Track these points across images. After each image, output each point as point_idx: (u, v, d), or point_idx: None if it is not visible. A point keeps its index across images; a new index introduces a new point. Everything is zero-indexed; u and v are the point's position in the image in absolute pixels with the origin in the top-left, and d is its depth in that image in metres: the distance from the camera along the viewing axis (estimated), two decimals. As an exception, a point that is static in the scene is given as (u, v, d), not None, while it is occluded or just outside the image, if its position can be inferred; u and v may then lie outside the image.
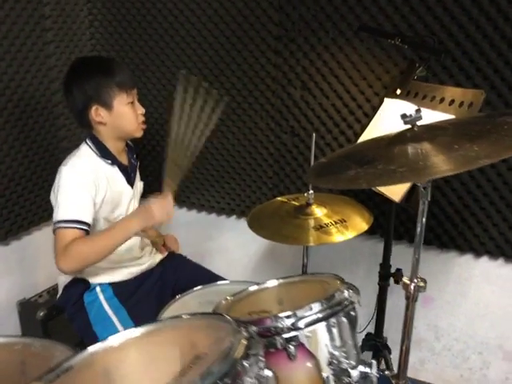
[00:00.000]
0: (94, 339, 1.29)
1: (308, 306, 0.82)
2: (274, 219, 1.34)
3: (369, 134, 1.55)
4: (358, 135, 1.66)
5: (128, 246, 1.51)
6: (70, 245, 1.27)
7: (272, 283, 1.06)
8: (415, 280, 0.97)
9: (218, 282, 1.42)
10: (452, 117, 1.21)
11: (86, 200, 1.33)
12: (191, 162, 1.40)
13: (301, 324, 0.81)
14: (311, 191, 1.35)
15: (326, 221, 1.28)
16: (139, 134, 1.45)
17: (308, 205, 1.35)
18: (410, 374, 1.95)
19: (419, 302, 1.84)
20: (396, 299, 1.68)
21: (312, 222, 1.29)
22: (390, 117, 1.48)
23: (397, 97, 1.51)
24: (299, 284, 1.05)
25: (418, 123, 0.89)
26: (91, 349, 0.78)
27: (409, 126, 1.02)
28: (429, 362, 1.96)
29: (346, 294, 0.86)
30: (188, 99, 1.31)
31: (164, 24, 1.90)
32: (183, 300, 1.35)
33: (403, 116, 0.87)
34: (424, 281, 0.98)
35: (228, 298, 1.01)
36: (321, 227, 1.25)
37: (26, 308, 1.95)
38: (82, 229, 1.30)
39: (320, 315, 0.82)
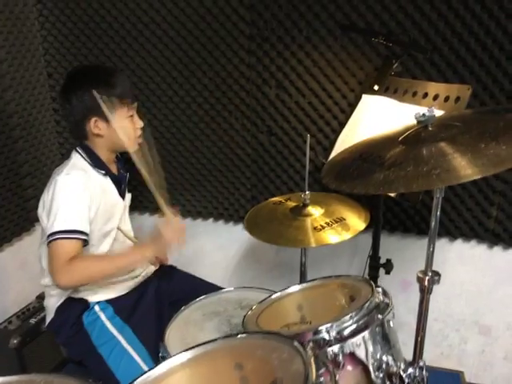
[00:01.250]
0: (99, 361, 1.24)
1: (348, 315, 0.82)
2: (272, 222, 1.32)
3: (350, 130, 1.57)
4: (337, 133, 1.69)
5: None
6: (75, 260, 1.21)
7: (292, 289, 1.05)
8: (429, 273, 1.00)
9: (218, 291, 1.39)
10: (440, 112, 1.25)
11: (84, 209, 1.28)
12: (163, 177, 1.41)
13: (345, 334, 0.80)
14: (307, 192, 1.35)
15: (325, 221, 1.29)
16: (134, 148, 1.39)
17: (304, 205, 1.35)
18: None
19: (399, 287, 1.94)
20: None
21: (310, 223, 1.29)
22: (370, 113, 1.51)
23: (375, 93, 1.54)
24: (318, 289, 1.05)
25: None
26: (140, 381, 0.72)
27: (409, 124, 1.04)
28: (410, 342, 2.04)
29: (380, 297, 0.87)
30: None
31: (126, 25, 1.81)
32: (185, 314, 1.31)
33: (417, 116, 0.89)
34: (438, 274, 1.02)
35: (252, 309, 0.98)
36: (321, 227, 1.25)
37: (-4, 337, 1.79)
38: (82, 239, 1.25)
39: (361, 322, 0.82)
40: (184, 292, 1.52)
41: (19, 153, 1.88)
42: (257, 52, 1.72)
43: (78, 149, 1.38)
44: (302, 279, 1.45)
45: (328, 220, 1.29)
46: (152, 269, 1.55)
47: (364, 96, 1.58)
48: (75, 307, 1.34)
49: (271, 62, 1.72)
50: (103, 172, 1.37)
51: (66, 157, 2.03)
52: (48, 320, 1.40)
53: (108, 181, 1.40)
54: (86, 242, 1.26)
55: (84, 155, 1.36)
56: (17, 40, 1.81)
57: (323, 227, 1.25)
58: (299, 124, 1.78)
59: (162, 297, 1.48)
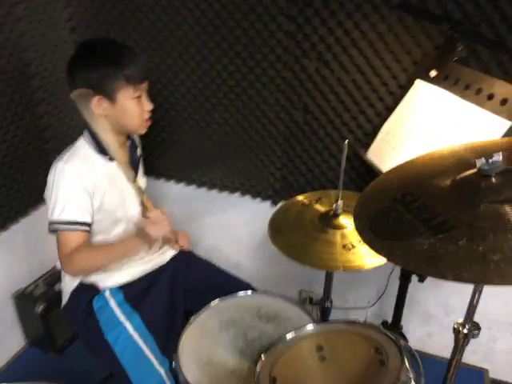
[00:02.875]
0: (106, 348, 1.23)
1: None
2: (298, 231, 1.21)
3: (396, 120, 1.38)
4: (382, 118, 1.50)
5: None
6: (75, 253, 1.23)
7: (310, 329, 0.96)
8: (468, 325, 0.88)
9: (236, 294, 1.32)
10: (509, 123, 1.05)
11: (82, 199, 1.24)
12: None
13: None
14: (340, 201, 1.21)
15: (358, 237, 1.15)
16: (142, 131, 1.33)
17: (335, 215, 1.22)
18: (417, 346, 2.01)
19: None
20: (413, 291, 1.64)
21: (340, 239, 1.16)
22: (424, 104, 1.31)
23: (431, 80, 1.32)
24: (339, 333, 0.96)
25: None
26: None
27: (464, 152, 0.87)
28: (436, 335, 1.98)
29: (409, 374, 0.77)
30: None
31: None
32: (201, 319, 1.26)
33: (483, 163, 0.72)
34: (477, 327, 0.90)
35: (264, 355, 0.90)
36: (352, 246, 1.12)
37: (23, 302, 1.84)
38: (85, 230, 1.25)
39: None
40: (201, 281, 1.47)
41: (42, 116, 1.79)
42: (298, 18, 1.49)
43: (84, 133, 1.32)
44: (325, 309, 1.36)
45: (361, 236, 1.16)
46: (168, 255, 1.50)
47: (418, 82, 1.37)
48: (87, 292, 1.34)
49: (313, 31, 1.49)
50: (108, 157, 1.30)
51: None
52: (63, 304, 1.40)
53: (114, 166, 1.31)
54: (87, 231, 1.25)
55: (89, 139, 1.30)
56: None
57: (354, 246, 1.13)
58: (339, 103, 1.58)
59: (176, 284, 1.43)
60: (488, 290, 1.77)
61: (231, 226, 2.09)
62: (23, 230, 1.88)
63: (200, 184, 1.99)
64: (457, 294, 1.83)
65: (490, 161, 0.71)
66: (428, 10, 1.22)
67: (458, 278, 0.60)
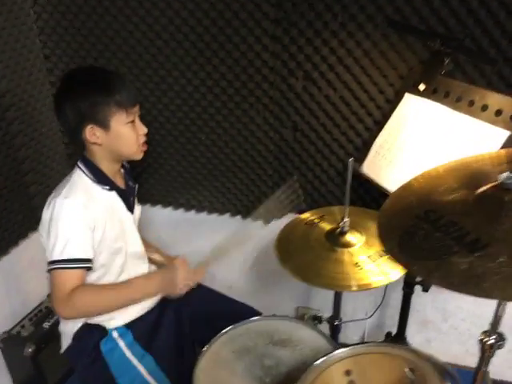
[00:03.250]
0: None
1: None
2: (307, 253, 1.19)
3: (390, 133, 1.40)
4: (373, 134, 1.52)
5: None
6: (75, 293, 1.15)
7: (337, 354, 0.95)
8: (494, 335, 0.88)
9: (246, 321, 1.29)
10: (507, 132, 1.08)
11: (84, 235, 1.18)
12: None
13: None
14: (347, 219, 1.20)
15: (367, 254, 1.15)
16: (139, 156, 1.28)
17: (342, 233, 1.21)
18: (416, 352, 2.03)
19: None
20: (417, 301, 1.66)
21: (350, 258, 1.16)
22: (416, 117, 1.34)
23: (420, 93, 1.35)
24: (367, 355, 0.94)
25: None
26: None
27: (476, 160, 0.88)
28: (435, 340, 2.00)
29: None
30: None
31: (132, 2, 1.57)
32: (214, 350, 1.21)
33: (505, 177, 0.73)
34: (503, 338, 0.90)
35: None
36: (363, 265, 1.12)
37: (10, 345, 1.73)
38: (84, 267, 1.18)
39: None
40: (205, 309, 1.43)
41: (19, 148, 1.71)
42: (283, 38, 1.50)
43: (79, 163, 1.26)
44: (334, 326, 1.35)
45: (371, 253, 1.16)
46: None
47: (407, 95, 1.40)
48: (92, 334, 1.26)
49: (299, 51, 1.50)
50: (107, 187, 1.26)
51: (69, 149, 1.90)
52: (64, 346, 1.31)
53: (114, 196, 1.28)
54: (89, 268, 1.19)
55: (85, 170, 1.25)
56: (7, 22, 1.58)
57: (367, 262, 1.12)
58: (328, 120, 1.59)
59: (181, 316, 1.38)
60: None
61: (222, 249, 2.04)
62: (3, 268, 1.78)
63: (188, 207, 1.95)
64: (453, 299, 1.86)
65: (512, 175, 0.73)
66: (417, 27, 1.25)
67: (507, 297, 0.60)
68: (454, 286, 0.65)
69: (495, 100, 1.15)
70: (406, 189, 0.92)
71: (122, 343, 1.26)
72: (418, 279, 1.47)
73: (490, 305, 1.81)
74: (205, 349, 1.20)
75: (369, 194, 1.63)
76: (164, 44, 1.60)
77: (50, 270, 1.16)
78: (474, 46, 1.30)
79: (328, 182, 1.70)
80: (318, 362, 0.93)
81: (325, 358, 0.94)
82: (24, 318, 1.83)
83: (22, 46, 1.66)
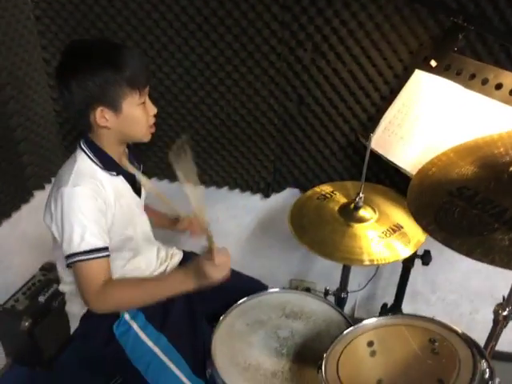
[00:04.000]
0: (136, 376, 1.16)
1: None
2: (323, 228, 1.20)
3: (399, 109, 1.41)
4: (380, 109, 1.52)
5: (147, 261, 1.32)
6: (112, 287, 1.09)
7: (365, 326, 0.97)
8: (508, 307, 0.93)
9: (257, 294, 1.30)
10: (521, 112, 1.10)
11: (100, 222, 1.11)
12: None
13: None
14: (362, 194, 1.22)
15: (381, 229, 1.17)
16: (148, 138, 1.20)
17: (356, 208, 1.22)
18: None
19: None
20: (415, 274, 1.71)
21: (365, 233, 1.17)
22: (428, 94, 1.34)
23: (432, 70, 1.36)
24: (392, 327, 0.97)
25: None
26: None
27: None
28: (423, 311, 2.07)
29: (484, 365, 0.80)
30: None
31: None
32: (227, 323, 1.22)
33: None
34: (518, 309, 0.95)
35: (325, 359, 0.90)
36: (377, 239, 1.14)
37: (5, 318, 1.69)
38: (106, 256, 1.10)
39: None
40: (215, 285, 1.41)
41: (11, 116, 1.62)
42: (293, 8, 1.46)
43: (82, 145, 1.16)
44: (341, 299, 1.37)
45: (385, 228, 1.18)
46: (176, 261, 1.44)
47: (418, 72, 1.40)
48: (103, 317, 1.19)
49: (309, 21, 1.47)
50: (114, 173, 1.18)
51: (60, 115, 1.82)
52: (73, 328, 1.27)
53: (121, 181, 1.21)
54: (109, 256, 1.11)
55: (90, 154, 1.15)
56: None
57: (382, 238, 1.14)
58: (335, 94, 1.58)
59: (192, 294, 1.37)
60: (471, 266, 1.90)
61: (219, 221, 2.04)
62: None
63: (186, 180, 1.91)
64: (443, 272, 1.93)
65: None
66: (443, 2, 1.24)
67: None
68: (496, 262, 0.67)
69: (510, 79, 1.16)
70: (429, 166, 0.93)
71: (135, 325, 1.22)
72: (419, 253, 1.52)
73: (477, 278, 1.91)
74: (218, 323, 1.20)
75: (377, 170, 1.64)
76: (167, 9, 1.54)
77: (71, 264, 1.08)
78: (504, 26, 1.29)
79: (330, 157, 1.70)
80: (344, 333, 0.95)
81: (351, 329, 0.96)
82: (17, 292, 1.79)
83: (13, 5, 1.55)
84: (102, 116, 1.09)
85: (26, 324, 1.65)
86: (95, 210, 1.09)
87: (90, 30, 1.60)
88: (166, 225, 1.52)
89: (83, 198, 1.08)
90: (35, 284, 1.82)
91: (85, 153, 1.15)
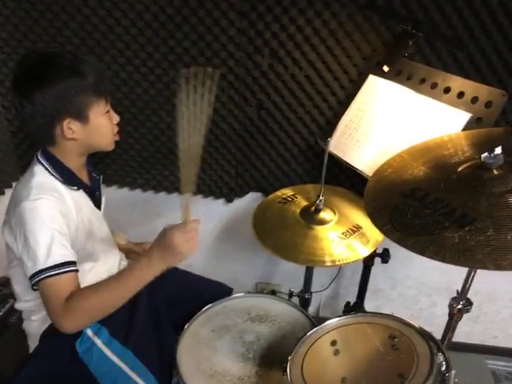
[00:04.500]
0: None
1: None
2: (285, 231, 1.22)
3: (355, 114, 1.45)
4: (337, 113, 1.56)
5: (108, 269, 1.29)
6: (73, 299, 1.03)
7: (327, 326, 0.99)
8: (462, 301, 0.98)
9: (222, 300, 1.30)
10: (468, 115, 1.16)
11: (64, 235, 1.06)
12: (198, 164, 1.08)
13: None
14: (322, 197, 1.24)
15: (341, 230, 1.20)
16: (112, 147, 1.19)
17: (317, 211, 1.25)
18: (367, 319, 2.17)
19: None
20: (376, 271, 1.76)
21: (324, 234, 1.20)
22: (382, 99, 1.39)
23: (385, 75, 1.41)
24: (353, 325, 1.00)
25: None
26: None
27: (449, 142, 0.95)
28: (384, 307, 2.14)
29: (440, 358, 0.83)
30: (190, 98, 1.00)
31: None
32: (192, 330, 1.22)
33: (486, 157, 0.79)
34: (470, 303, 1.00)
35: (290, 361, 0.91)
36: (338, 240, 1.17)
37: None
38: (74, 270, 1.06)
39: None
40: (177, 291, 1.40)
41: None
42: (250, 14, 1.48)
43: (40, 159, 1.12)
44: (305, 299, 1.40)
45: (344, 229, 1.21)
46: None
47: (372, 77, 1.45)
48: (65, 335, 1.12)
49: (266, 28, 1.49)
50: (75, 187, 1.15)
51: (12, 123, 1.75)
52: (32, 346, 1.22)
53: (81, 194, 1.18)
54: (77, 270, 1.07)
55: (49, 168, 1.11)
56: None
57: (343, 239, 1.17)
58: (293, 98, 1.61)
59: (156, 302, 1.34)
60: (428, 263, 1.98)
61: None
62: None
63: (148, 187, 1.90)
64: (402, 268, 2.00)
65: (493, 154, 0.79)
66: (393, 9, 1.29)
67: (499, 267, 0.67)
68: (447, 259, 0.70)
69: (457, 83, 1.22)
70: (384, 168, 0.97)
71: (98, 341, 1.17)
72: (378, 252, 1.56)
73: (434, 273, 1.98)
74: (183, 331, 1.19)
75: (337, 172, 1.67)
76: (122, 15, 1.52)
77: (37, 282, 1.02)
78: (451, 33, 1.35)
79: (291, 160, 1.73)
80: (308, 334, 0.97)
81: (314, 330, 0.98)
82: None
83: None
84: (69, 128, 1.06)
85: (-18, 341, 1.57)
86: (60, 222, 1.05)
87: (43, 37, 1.56)
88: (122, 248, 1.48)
89: (47, 209, 1.04)
90: (-10, 299, 1.74)
91: (43, 166, 1.11)
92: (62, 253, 1.03)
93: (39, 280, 1.02)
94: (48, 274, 1.01)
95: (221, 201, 1.92)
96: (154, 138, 1.75)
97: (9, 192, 1.82)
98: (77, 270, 1.06)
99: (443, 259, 0.70)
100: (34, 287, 1.05)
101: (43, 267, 1.01)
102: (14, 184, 1.83)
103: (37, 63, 1.05)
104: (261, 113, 1.65)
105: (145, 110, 1.69)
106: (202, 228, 1.99)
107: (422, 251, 0.75)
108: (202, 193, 1.88)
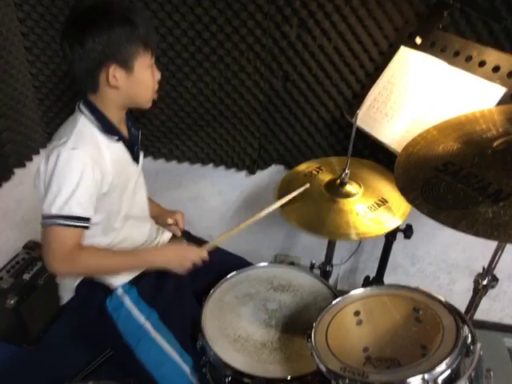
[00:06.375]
0: (126, 350, 1.18)
1: (443, 362, 0.77)
2: (309, 205, 1.22)
3: (384, 86, 1.43)
4: (365, 86, 1.54)
5: (143, 234, 1.32)
6: (81, 253, 1.09)
7: (352, 296, 1.01)
8: (488, 277, 0.98)
9: (246, 269, 1.33)
10: (504, 89, 1.13)
11: (91, 191, 1.08)
12: None
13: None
14: (347, 170, 1.24)
15: (367, 204, 1.20)
16: (149, 104, 1.19)
17: (342, 184, 1.25)
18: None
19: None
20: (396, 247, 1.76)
21: (350, 207, 1.20)
22: (413, 71, 1.36)
23: (417, 47, 1.38)
24: (377, 297, 1.01)
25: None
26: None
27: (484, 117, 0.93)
28: (403, 282, 2.10)
29: (466, 330, 0.84)
30: None
31: None
32: (217, 296, 1.25)
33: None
34: (496, 279, 1.00)
35: (314, 328, 0.93)
36: (364, 214, 1.17)
37: (-10, 298, 1.68)
38: (83, 226, 1.09)
39: (454, 366, 0.78)
40: (205, 263, 1.43)
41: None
42: (279, -18, 1.44)
43: (82, 108, 1.13)
44: (326, 272, 1.41)
45: (370, 203, 1.21)
46: (167, 237, 1.44)
47: (403, 48, 1.41)
48: (96, 290, 1.21)
49: (295, -4, 1.46)
50: (116, 137, 1.15)
51: (39, 91, 1.77)
52: (66, 298, 1.26)
53: (120, 147, 1.18)
54: (86, 227, 1.10)
55: (91, 116, 1.12)
56: None
57: (366, 212, 1.17)
58: (320, 71, 1.59)
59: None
60: (449, 241, 1.97)
61: (203, 198, 2.05)
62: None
63: (171, 158, 1.91)
64: (422, 245, 2.00)
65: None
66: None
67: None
68: (480, 233, 0.70)
69: (493, 56, 1.19)
70: (415, 142, 0.96)
71: (127, 300, 1.22)
72: (402, 227, 1.56)
73: (455, 251, 1.97)
74: (208, 296, 1.22)
75: (362, 147, 1.66)
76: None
77: (46, 224, 1.06)
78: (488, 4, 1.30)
79: (316, 133, 1.72)
80: (332, 304, 0.99)
81: (338, 300, 1.00)
82: (1, 270, 1.78)
83: None
84: (113, 75, 1.07)
85: (12, 302, 1.65)
86: (88, 178, 1.06)
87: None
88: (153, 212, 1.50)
89: (79, 163, 1.05)
90: (19, 262, 1.81)
91: (85, 115, 1.12)
92: (79, 207, 1.05)
93: (49, 224, 1.05)
94: (58, 221, 1.04)
95: (243, 173, 1.92)
96: (179, 108, 1.75)
97: (36, 158, 1.86)
98: (86, 227, 1.09)
99: (476, 233, 0.70)
100: (43, 225, 1.08)
101: (55, 213, 1.04)
102: (41, 151, 1.89)
103: (91, 8, 1.06)
104: (287, 84, 1.63)
105: (170, 79, 1.68)
106: (224, 199, 2.05)
107: (454, 225, 0.75)
108: (225, 164, 1.89)
